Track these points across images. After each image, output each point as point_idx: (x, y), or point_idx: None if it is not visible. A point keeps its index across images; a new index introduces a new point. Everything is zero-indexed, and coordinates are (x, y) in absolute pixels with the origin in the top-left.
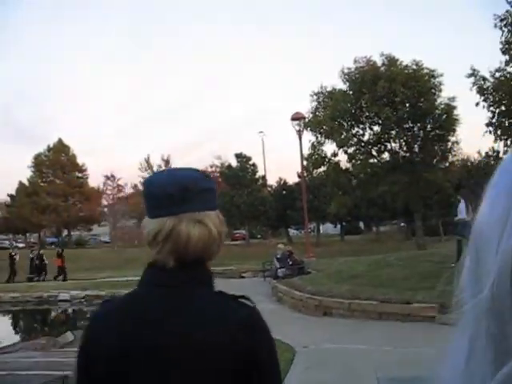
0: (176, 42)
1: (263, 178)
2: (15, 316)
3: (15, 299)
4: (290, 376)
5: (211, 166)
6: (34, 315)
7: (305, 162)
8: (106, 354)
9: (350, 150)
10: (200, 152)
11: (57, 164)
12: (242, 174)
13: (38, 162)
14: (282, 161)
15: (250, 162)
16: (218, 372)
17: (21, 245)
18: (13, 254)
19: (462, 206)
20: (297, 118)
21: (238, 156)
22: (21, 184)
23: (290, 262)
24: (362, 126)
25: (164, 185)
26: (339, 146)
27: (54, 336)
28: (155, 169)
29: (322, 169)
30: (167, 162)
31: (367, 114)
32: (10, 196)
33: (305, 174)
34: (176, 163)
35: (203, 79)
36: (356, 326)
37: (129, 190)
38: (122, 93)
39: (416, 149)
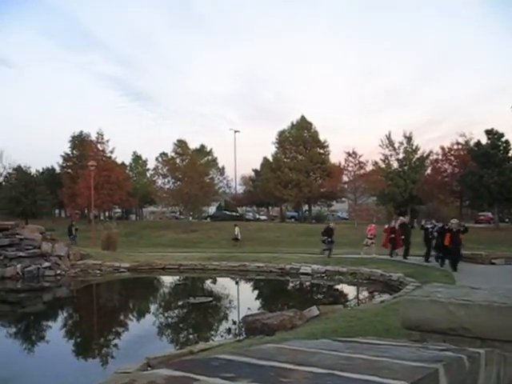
0: (411, 15)
1: None
2: (259, 285)
3: (260, 268)
4: None
5: (457, 143)
6: (276, 285)
7: None
8: None
9: None
10: (442, 128)
11: (299, 140)
12: (492, 151)
13: (282, 139)
14: None
15: (502, 139)
16: None
17: (263, 217)
18: (429, 227)
19: None
20: None
21: (489, 133)
22: (265, 159)
23: None
24: None
25: None
26: None
27: (300, 309)
28: (396, 146)
29: None
30: (409, 138)
31: None
32: (255, 171)
33: None
34: (417, 140)
35: (443, 52)
36: None
37: (369, 168)
38: (360, 69)
39: None
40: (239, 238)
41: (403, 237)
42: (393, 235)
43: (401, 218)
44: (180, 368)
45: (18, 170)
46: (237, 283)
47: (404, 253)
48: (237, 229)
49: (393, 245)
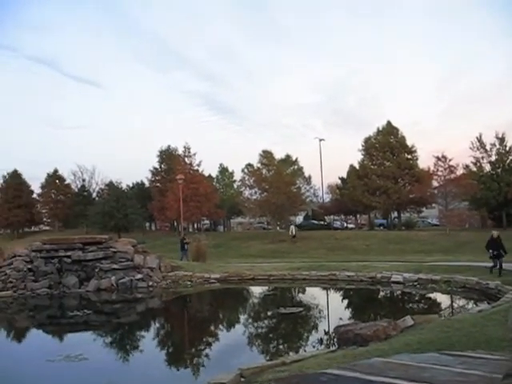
0: (496, 14)
1: None
2: (350, 294)
3: (350, 278)
4: None
5: None
6: (367, 294)
7: None
8: None
9: None
10: None
11: (386, 146)
12: None
13: (368, 146)
14: None
15: None
16: None
17: (350, 225)
18: None
19: None
20: None
21: None
22: (351, 167)
23: None
24: None
25: None
26: None
27: (393, 319)
28: (488, 148)
29: None
30: (502, 139)
31: None
32: (341, 179)
33: None
34: (511, 141)
35: None
36: None
37: (460, 171)
38: (445, 71)
39: None
40: (295, 234)
41: None
42: None
43: None
44: None
45: (110, 185)
46: (327, 293)
47: None
48: (292, 227)
49: None
